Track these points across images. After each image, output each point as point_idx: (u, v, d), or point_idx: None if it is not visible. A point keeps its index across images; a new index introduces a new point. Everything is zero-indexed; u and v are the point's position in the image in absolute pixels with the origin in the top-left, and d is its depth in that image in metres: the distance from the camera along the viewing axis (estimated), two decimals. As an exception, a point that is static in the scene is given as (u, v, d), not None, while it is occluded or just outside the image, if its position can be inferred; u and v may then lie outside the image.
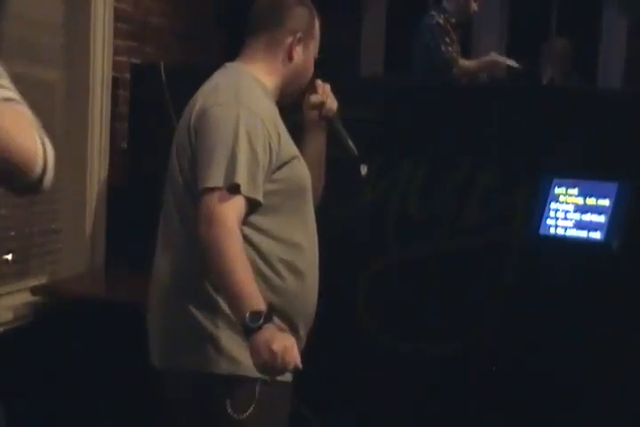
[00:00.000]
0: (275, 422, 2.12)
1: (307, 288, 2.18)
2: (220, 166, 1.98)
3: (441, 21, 4.77)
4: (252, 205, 2.03)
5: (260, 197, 2.02)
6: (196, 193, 2.02)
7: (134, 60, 3.95)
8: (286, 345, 1.81)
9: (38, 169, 1.19)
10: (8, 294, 3.35)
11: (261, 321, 1.82)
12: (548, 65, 5.42)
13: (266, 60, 2.22)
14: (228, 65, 2.25)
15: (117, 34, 3.76)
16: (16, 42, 3.27)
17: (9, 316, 3.27)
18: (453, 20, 4.83)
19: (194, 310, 2.06)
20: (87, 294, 3.39)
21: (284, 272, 2.10)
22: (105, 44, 3.65)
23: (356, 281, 3.42)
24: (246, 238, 2.02)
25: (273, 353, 1.79)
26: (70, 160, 3.56)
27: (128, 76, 3.84)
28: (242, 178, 1.97)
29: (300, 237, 2.16)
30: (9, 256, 3.34)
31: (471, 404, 3.33)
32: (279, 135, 2.11)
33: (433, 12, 4.89)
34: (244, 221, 2.03)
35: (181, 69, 3.88)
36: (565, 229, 3.12)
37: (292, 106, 2.31)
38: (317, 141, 2.37)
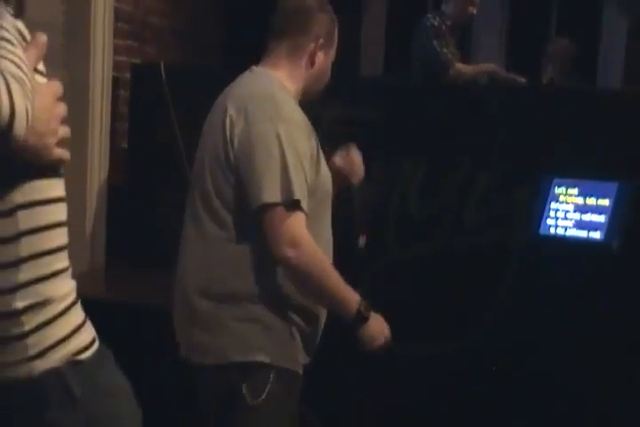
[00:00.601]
0: (286, 409, 2.21)
1: None
2: (274, 182, 2.06)
3: (436, 23, 4.77)
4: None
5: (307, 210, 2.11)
6: (229, 200, 2.12)
7: (134, 60, 3.95)
8: (387, 329, 2.32)
9: (4, 115, 1.18)
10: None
11: (365, 314, 2.21)
12: (549, 65, 5.43)
13: (290, 65, 2.26)
14: (255, 70, 2.28)
15: (117, 34, 3.76)
16: (16, 42, 3.27)
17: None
18: (449, 23, 4.82)
19: (215, 304, 2.17)
20: (87, 294, 3.38)
21: None
22: (105, 44, 3.65)
23: (356, 281, 3.42)
24: None
25: (387, 337, 2.33)
26: (70, 160, 3.55)
27: (128, 76, 3.84)
28: (300, 194, 2.06)
29: (323, 237, 2.25)
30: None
31: (471, 404, 3.33)
32: (317, 145, 2.19)
33: (429, 15, 4.91)
34: None
35: (181, 69, 3.88)
36: (565, 229, 3.12)
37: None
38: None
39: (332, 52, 2.33)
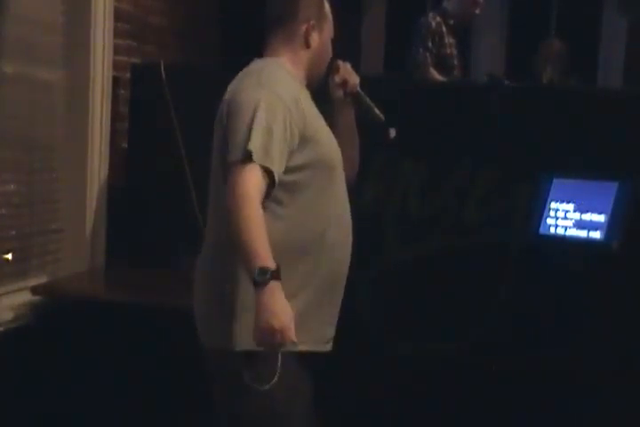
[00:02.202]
0: (297, 392, 2.24)
1: (336, 259, 2.34)
2: (238, 143, 2.09)
3: (433, 24, 4.72)
4: (270, 177, 2.10)
5: (274, 168, 2.09)
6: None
7: (134, 60, 3.95)
8: (285, 323, 1.95)
9: None
10: (8, 293, 3.35)
11: (268, 276, 1.95)
12: (548, 65, 5.42)
13: (288, 51, 2.35)
14: (256, 60, 2.36)
15: (117, 34, 3.76)
16: (16, 42, 3.27)
17: (9, 316, 3.27)
18: (452, 22, 4.80)
19: (224, 293, 2.20)
20: (87, 294, 3.39)
21: (314, 245, 2.24)
22: (105, 44, 3.64)
23: (356, 281, 3.42)
24: (276, 214, 2.17)
25: (274, 330, 1.94)
26: (70, 160, 3.55)
27: (128, 75, 3.84)
28: (254, 146, 2.07)
29: (331, 212, 2.29)
30: (9, 256, 3.34)
31: (471, 404, 3.33)
32: (303, 112, 2.22)
33: (431, 13, 4.86)
34: (275, 198, 2.16)
35: (181, 69, 3.88)
36: (565, 228, 3.12)
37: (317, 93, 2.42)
38: (347, 117, 2.51)
39: (328, 28, 2.41)
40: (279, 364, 2.13)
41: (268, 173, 2.09)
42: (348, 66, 2.49)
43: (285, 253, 2.13)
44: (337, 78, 2.48)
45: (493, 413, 3.29)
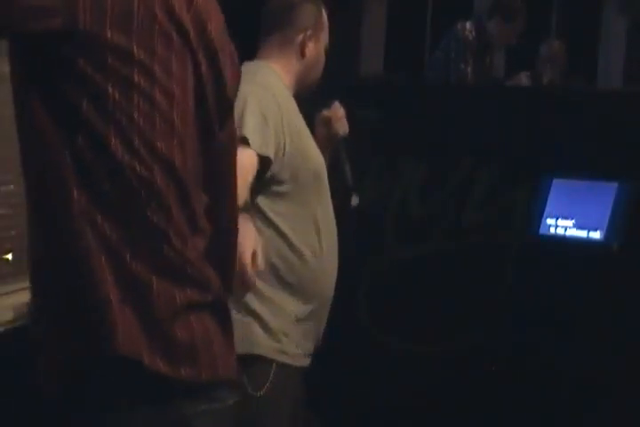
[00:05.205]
0: (286, 402, 2.26)
1: (323, 268, 2.31)
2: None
3: (470, 38, 4.67)
4: (265, 163, 2.12)
5: (270, 155, 2.11)
6: None
7: (134, 60, 3.94)
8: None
9: None
10: (8, 294, 3.35)
11: None
12: (548, 65, 5.43)
13: (281, 58, 2.34)
14: (248, 63, 2.34)
15: (117, 34, 3.75)
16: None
17: (9, 316, 3.27)
18: (486, 42, 4.73)
19: None
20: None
21: (305, 252, 2.24)
22: (105, 44, 3.64)
23: (356, 281, 3.42)
24: (268, 221, 2.19)
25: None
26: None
27: (128, 75, 3.84)
28: (250, 133, 2.07)
29: (316, 224, 2.28)
30: (9, 256, 3.34)
31: (471, 404, 3.33)
32: (289, 122, 2.22)
33: (468, 25, 4.74)
34: (259, 209, 2.17)
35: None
36: (565, 229, 3.12)
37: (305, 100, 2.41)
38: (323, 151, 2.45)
39: (324, 38, 2.39)
40: (272, 372, 2.18)
41: (261, 156, 2.10)
42: (342, 112, 2.46)
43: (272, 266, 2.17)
44: (324, 113, 2.46)
45: (493, 413, 3.28)
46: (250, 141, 2.07)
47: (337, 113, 2.45)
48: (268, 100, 2.17)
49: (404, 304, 3.41)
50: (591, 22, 6.18)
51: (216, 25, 1.42)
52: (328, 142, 2.45)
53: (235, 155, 1.54)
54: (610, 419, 3.19)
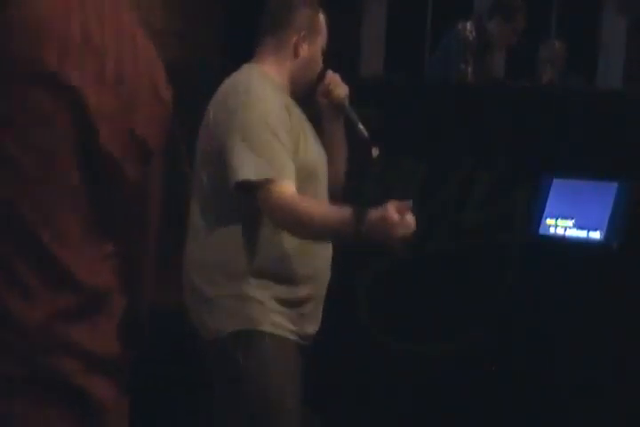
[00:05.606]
0: (283, 375, 2.30)
1: (316, 253, 2.38)
2: (249, 160, 2.19)
3: (470, 38, 4.67)
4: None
5: (291, 177, 2.21)
6: (217, 189, 2.28)
7: (134, 60, 3.94)
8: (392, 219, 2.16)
9: None
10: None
11: (361, 222, 2.14)
12: (548, 65, 5.43)
13: (275, 59, 2.40)
14: (244, 66, 2.43)
15: (117, 34, 3.75)
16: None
17: (9, 316, 3.26)
18: (486, 42, 4.72)
19: (205, 285, 2.34)
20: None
21: (291, 240, 2.30)
22: (105, 44, 3.64)
23: (356, 281, 3.42)
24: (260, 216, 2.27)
25: (393, 226, 2.17)
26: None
27: (128, 75, 3.84)
28: (278, 171, 2.19)
29: None
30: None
31: (471, 404, 3.33)
32: (289, 120, 2.29)
33: (468, 25, 4.73)
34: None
35: (181, 69, 3.88)
36: (565, 229, 3.12)
37: (304, 101, 2.46)
38: (333, 127, 2.53)
39: (320, 41, 2.44)
40: (264, 345, 2.26)
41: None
42: (337, 77, 2.49)
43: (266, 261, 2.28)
44: (321, 85, 2.49)
45: (493, 413, 3.28)
46: (274, 178, 2.18)
47: (333, 79, 2.47)
48: (269, 111, 2.25)
49: (404, 304, 3.41)
50: (591, 22, 6.18)
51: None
52: (335, 109, 2.49)
53: (159, 193, 1.51)
54: (610, 419, 3.19)
